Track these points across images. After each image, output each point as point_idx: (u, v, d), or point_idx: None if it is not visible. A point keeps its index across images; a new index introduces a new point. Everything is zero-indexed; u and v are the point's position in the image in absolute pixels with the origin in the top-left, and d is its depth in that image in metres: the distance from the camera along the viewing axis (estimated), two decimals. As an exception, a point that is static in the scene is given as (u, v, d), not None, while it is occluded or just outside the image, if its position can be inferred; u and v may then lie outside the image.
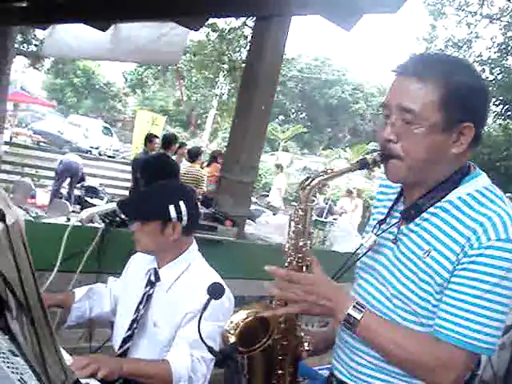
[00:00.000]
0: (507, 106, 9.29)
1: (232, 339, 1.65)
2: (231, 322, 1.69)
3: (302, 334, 1.74)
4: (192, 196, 2.61)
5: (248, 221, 5.45)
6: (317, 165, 33.18)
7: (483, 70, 11.70)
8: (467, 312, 1.48)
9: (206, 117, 35.75)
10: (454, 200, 1.58)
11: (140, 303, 2.49)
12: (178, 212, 2.41)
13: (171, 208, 2.40)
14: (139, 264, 2.65)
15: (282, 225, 4.89)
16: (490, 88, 10.48)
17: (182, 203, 2.43)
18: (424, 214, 1.61)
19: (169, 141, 8.67)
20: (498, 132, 8.79)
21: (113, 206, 3.79)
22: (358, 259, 1.77)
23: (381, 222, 1.74)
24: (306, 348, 1.74)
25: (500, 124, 9.33)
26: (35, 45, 24.81)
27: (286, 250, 1.66)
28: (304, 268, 1.64)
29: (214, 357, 1.61)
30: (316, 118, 43.23)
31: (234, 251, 4.48)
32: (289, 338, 1.73)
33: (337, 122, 44.48)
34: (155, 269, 2.53)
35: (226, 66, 17.32)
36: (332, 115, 43.61)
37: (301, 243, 1.64)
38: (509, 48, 10.80)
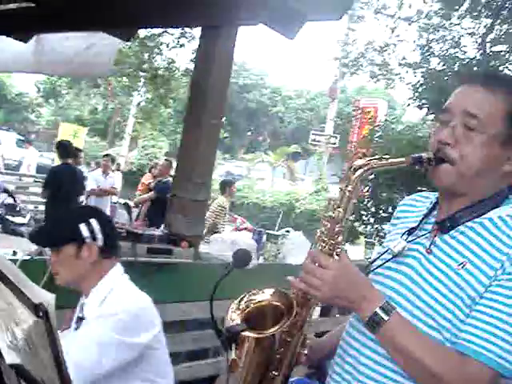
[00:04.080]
0: (432, 109, 9.56)
1: (237, 319, 1.57)
2: (241, 301, 1.62)
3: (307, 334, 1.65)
4: (104, 215, 2.52)
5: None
6: (240, 169, 33.30)
7: (407, 73, 12.01)
8: (499, 330, 1.43)
9: (125, 125, 35.06)
10: (495, 218, 1.56)
11: None
12: (91, 231, 2.29)
13: (82, 227, 2.28)
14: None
15: (234, 241, 4.73)
16: (413, 91, 10.73)
17: (93, 221, 2.31)
18: (461, 227, 1.58)
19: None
20: (428, 133, 9.01)
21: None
22: (384, 263, 1.68)
23: (411, 231, 1.69)
24: (305, 352, 1.65)
25: (429, 126, 9.59)
26: None
27: (319, 234, 1.57)
28: (335, 256, 1.55)
29: (219, 336, 1.52)
30: (236, 123, 43.34)
31: (191, 273, 4.32)
32: (294, 335, 1.61)
33: (256, 126, 44.82)
34: (82, 303, 2.37)
35: (146, 74, 17.01)
36: (251, 119, 43.91)
37: (337, 229, 1.55)
38: (431, 50, 11.13)
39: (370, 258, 7.64)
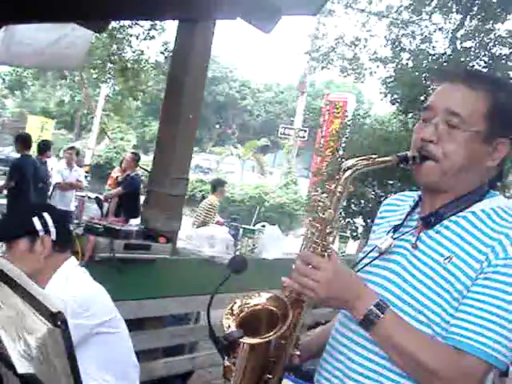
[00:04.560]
0: (404, 102, 9.65)
1: (232, 324, 1.54)
2: (234, 306, 1.59)
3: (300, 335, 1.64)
4: (57, 210, 2.58)
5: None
6: (208, 162, 33.20)
7: (378, 67, 12.11)
8: (489, 322, 1.45)
9: (92, 118, 34.63)
10: (477, 211, 1.59)
11: None
12: (44, 224, 2.32)
13: (35, 220, 2.32)
14: None
15: (211, 236, 4.72)
16: (384, 85, 10.81)
17: (45, 214, 2.35)
18: (445, 222, 1.61)
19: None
20: (399, 128, 9.12)
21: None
22: (372, 261, 1.69)
23: (396, 228, 1.71)
24: (298, 353, 1.64)
25: (401, 120, 9.69)
26: None
27: (309, 236, 1.57)
28: (326, 258, 1.54)
29: (217, 344, 1.51)
30: (204, 116, 43.14)
31: (169, 269, 4.29)
32: (287, 337, 1.60)
33: (225, 119, 44.68)
34: None
35: (115, 66, 16.78)
36: (220, 112, 43.75)
37: (327, 230, 1.55)
38: (401, 45, 11.22)
39: (344, 252, 7.70)
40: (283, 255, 5.32)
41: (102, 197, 10.00)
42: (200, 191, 24.19)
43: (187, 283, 4.44)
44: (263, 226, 5.68)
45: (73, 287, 2.31)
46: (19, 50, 7.10)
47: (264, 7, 4.40)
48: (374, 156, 1.59)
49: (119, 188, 10.15)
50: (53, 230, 2.34)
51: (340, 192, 1.56)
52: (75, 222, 4.59)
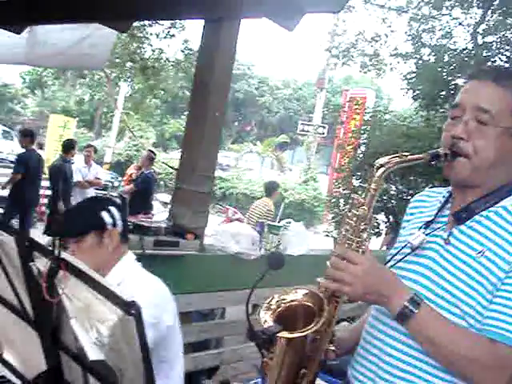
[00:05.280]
0: (426, 98, 9.61)
1: (269, 319, 1.57)
2: (271, 301, 1.62)
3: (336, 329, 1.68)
4: (118, 203, 2.60)
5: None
6: (228, 159, 33.18)
7: (398, 63, 12.06)
8: None
9: (112, 116, 34.83)
10: (508, 206, 1.62)
11: None
12: (112, 217, 2.38)
13: (104, 214, 2.36)
14: None
15: (237, 232, 4.76)
16: (405, 81, 10.78)
17: (112, 208, 2.40)
18: (476, 217, 1.64)
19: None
20: (422, 124, 9.07)
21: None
22: (404, 257, 1.72)
23: (427, 224, 1.74)
24: (333, 348, 1.68)
25: (422, 116, 9.64)
26: None
27: (344, 233, 1.60)
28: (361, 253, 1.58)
29: (255, 339, 1.52)
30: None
31: (196, 265, 4.35)
32: (323, 332, 1.62)
33: (244, 116, 44.67)
34: None
35: (135, 65, 16.88)
36: (239, 109, 43.75)
37: (362, 227, 1.59)
38: (422, 40, 11.17)
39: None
40: (308, 251, 5.35)
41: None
42: (219, 188, 24.23)
43: (213, 279, 4.50)
44: (288, 223, 5.70)
45: (146, 290, 2.33)
46: (43, 50, 7.19)
47: (288, 5, 4.42)
48: (405, 154, 1.63)
49: (131, 185, 10.24)
50: (119, 222, 2.40)
51: (374, 189, 1.60)
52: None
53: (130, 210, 9.05)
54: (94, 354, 0.90)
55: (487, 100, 1.61)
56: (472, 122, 1.62)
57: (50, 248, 1.06)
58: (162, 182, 20.34)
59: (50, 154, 15.15)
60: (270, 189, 9.15)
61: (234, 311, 5.14)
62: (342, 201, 10.07)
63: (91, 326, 0.89)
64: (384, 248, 10.50)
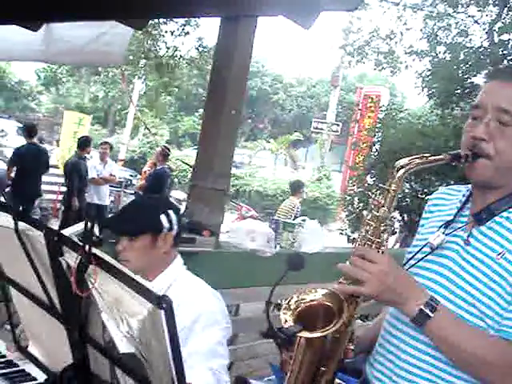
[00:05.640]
0: (441, 96, 9.57)
1: (289, 319, 1.57)
2: (290, 301, 1.61)
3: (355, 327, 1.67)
4: (176, 206, 2.59)
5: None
6: (241, 157, 33.16)
7: (413, 61, 12.00)
8: None
9: (126, 113, 34.95)
10: None
11: None
12: (170, 221, 2.37)
13: (162, 218, 2.36)
14: None
15: (252, 230, 4.78)
16: (420, 79, 10.74)
17: (171, 212, 2.40)
18: (497, 218, 1.64)
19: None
20: (436, 123, 9.04)
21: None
22: (425, 257, 1.72)
23: (447, 224, 1.73)
24: (352, 347, 1.67)
25: (437, 114, 9.61)
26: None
27: (363, 233, 1.60)
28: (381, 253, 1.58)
29: (275, 338, 1.54)
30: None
31: (212, 262, 4.37)
32: (342, 331, 1.62)
33: (257, 113, 44.60)
34: None
35: (149, 62, 16.90)
36: (252, 107, 43.68)
37: (382, 228, 1.59)
38: (438, 38, 11.12)
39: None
40: (323, 249, 5.36)
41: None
42: (233, 186, 24.24)
43: (228, 276, 4.51)
44: (303, 221, 5.71)
45: (207, 300, 2.39)
46: (59, 48, 7.20)
47: (305, 3, 4.42)
48: (426, 155, 1.63)
49: (143, 181, 10.30)
50: (176, 227, 2.40)
51: (394, 190, 1.60)
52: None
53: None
54: (124, 347, 0.92)
55: (509, 101, 1.60)
56: (493, 122, 1.61)
57: (80, 242, 1.08)
58: (175, 180, 20.42)
59: (64, 150, 15.22)
60: (295, 187, 9.67)
61: (248, 308, 5.15)
62: (356, 199, 10.07)
63: (122, 320, 0.91)
64: (397, 246, 10.49)
